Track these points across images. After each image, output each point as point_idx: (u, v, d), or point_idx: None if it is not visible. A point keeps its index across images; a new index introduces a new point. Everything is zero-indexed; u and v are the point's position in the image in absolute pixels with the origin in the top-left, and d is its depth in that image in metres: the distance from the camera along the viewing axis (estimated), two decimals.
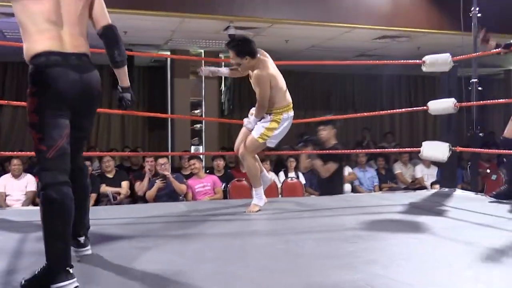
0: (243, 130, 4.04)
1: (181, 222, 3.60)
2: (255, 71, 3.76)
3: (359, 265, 2.38)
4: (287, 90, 3.93)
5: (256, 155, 3.99)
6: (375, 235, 3.06)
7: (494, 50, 4.20)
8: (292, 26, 7.20)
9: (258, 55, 3.81)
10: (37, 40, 2.22)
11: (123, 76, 2.56)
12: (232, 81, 9.79)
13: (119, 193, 6.61)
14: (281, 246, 2.83)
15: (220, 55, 9.00)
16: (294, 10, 6.95)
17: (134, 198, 6.59)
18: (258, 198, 3.88)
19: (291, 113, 3.92)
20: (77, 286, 2.05)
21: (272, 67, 3.83)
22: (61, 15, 2.28)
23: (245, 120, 3.99)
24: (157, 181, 6.13)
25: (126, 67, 2.55)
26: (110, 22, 2.47)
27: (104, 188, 6.60)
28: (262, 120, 3.88)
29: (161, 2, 6.48)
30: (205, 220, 3.57)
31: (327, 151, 5.17)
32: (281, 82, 3.86)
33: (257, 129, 3.86)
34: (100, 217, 3.65)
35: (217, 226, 3.40)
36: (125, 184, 6.72)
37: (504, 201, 4.10)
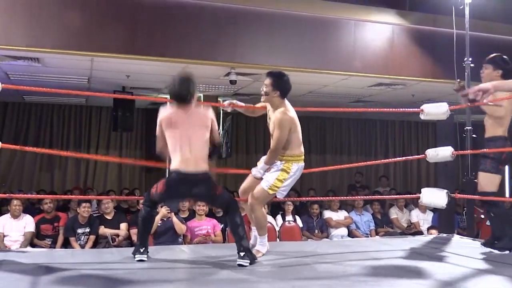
0: (250, 176, 4.00)
1: (187, 268, 3.65)
2: (279, 113, 3.76)
3: None
4: (302, 143, 3.91)
5: None
6: (380, 281, 3.11)
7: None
8: (291, 73, 7.34)
9: (285, 99, 3.87)
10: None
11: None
12: (230, 125, 9.92)
13: (117, 235, 6.61)
14: None
15: (218, 99, 9.16)
16: (293, 58, 7.16)
17: (132, 240, 6.59)
18: (262, 245, 3.88)
19: (302, 164, 3.88)
20: None
21: (294, 114, 3.84)
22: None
23: (254, 170, 3.94)
24: (162, 208, 6.14)
25: None
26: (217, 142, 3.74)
27: (102, 230, 6.60)
28: (271, 169, 3.83)
29: (165, 49, 6.65)
30: (211, 265, 3.59)
31: None
32: (299, 130, 3.87)
33: (266, 179, 3.81)
34: (106, 261, 3.68)
35: (223, 271, 3.42)
36: (123, 226, 6.74)
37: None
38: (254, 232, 4.03)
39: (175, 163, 3.53)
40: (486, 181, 4.11)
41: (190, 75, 3.71)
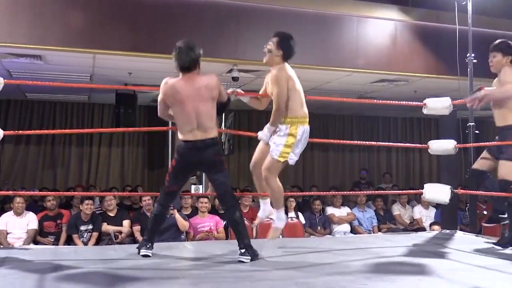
0: (259, 146, 3.88)
1: (190, 264, 3.64)
2: (274, 71, 3.71)
3: None
4: (305, 104, 3.76)
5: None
6: (383, 276, 3.10)
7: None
8: (294, 69, 7.38)
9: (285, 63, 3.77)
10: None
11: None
12: (232, 122, 9.93)
13: (120, 232, 6.62)
14: None
15: None
16: (296, 54, 7.13)
17: (135, 237, 6.60)
18: (279, 220, 3.80)
19: (308, 127, 3.73)
20: None
21: (291, 72, 3.74)
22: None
23: (260, 133, 3.83)
24: None
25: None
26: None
27: (105, 227, 6.61)
28: (277, 135, 3.71)
29: (167, 46, 6.63)
30: (213, 262, 3.60)
31: None
32: (299, 87, 3.72)
33: (274, 148, 3.68)
34: (109, 258, 3.69)
35: (225, 268, 3.43)
36: (126, 223, 6.75)
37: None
38: (263, 206, 4.01)
39: (183, 134, 3.61)
40: (508, 169, 3.96)
41: (195, 43, 3.63)
